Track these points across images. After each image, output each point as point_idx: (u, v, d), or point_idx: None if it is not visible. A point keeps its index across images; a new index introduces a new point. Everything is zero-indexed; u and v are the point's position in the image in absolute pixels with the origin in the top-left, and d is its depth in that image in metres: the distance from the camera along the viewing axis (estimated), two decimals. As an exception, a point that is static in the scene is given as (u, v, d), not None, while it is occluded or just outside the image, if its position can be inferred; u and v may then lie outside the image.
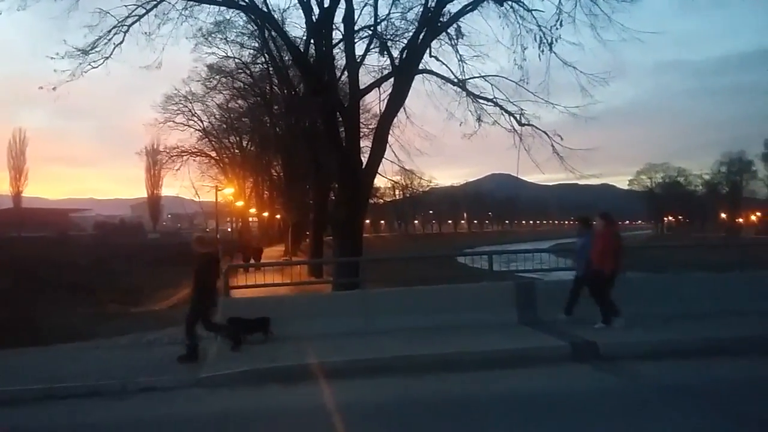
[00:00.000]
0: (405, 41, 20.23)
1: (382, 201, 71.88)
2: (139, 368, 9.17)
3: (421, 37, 18.86)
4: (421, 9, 19.21)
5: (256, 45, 32.88)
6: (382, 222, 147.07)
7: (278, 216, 62.80)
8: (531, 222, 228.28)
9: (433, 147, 25.89)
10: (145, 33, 17.68)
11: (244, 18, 25.94)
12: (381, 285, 14.63)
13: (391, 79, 19.80)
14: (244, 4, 19.22)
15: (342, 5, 18.92)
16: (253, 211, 70.07)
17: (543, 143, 19.32)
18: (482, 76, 19.84)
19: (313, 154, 31.40)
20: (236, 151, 62.38)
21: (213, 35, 32.83)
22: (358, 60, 20.50)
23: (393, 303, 11.73)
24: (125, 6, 17.11)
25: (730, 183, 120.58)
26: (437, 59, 20.02)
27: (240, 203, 62.40)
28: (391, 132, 20.84)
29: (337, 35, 20.37)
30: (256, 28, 26.62)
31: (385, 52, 20.33)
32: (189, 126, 56.85)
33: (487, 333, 10.54)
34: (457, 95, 20.19)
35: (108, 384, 8.48)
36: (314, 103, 20.95)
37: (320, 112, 20.21)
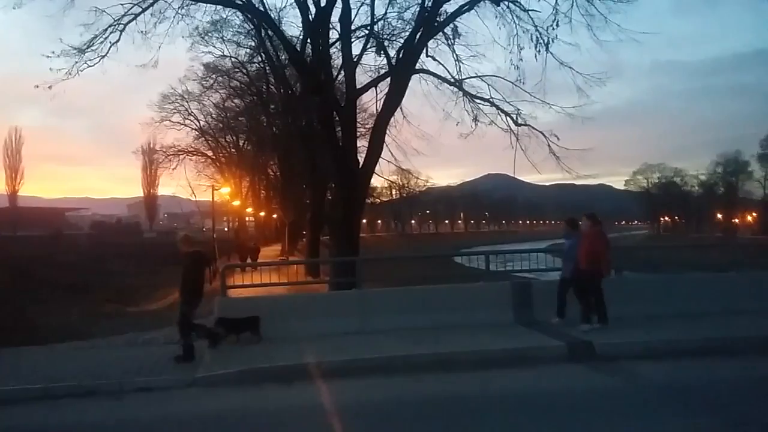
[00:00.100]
0: (402, 41, 20.27)
1: (379, 201, 72.07)
2: (135, 368, 9.15)
3: (417, 36, 18.87)
4: (418, 9, 19.26)
5: (253, 44, 32.89)
6: (379, 222, 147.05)
7: (275, 215, 62.80)
8: (528, 222, 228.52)
9: (430, 147, 26.01)
10: (142, 32, 17.70)
11: (241, 17, 25.96)
12: (378, 285, 14.60)
13: (388, 79, 19.83)
14: (241, 3, 19.21)
15: (339, 4, 18.97)
16: (249, 210, 70.03)
17: (540, 143, 19.39)
18: (479, 76, 19.91)
19: (309, 154, 31.42)
20: (233, 150, 62.36)
21: (209, 34, 32.78)
22: (355, 59, 20.51)
23: (390, 303, 11.73)
24: (121, 4, 17.13)
25: (726, 183, 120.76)
26: (434, 59, 20.10)
27: (236, 203, 62.35)
28: (387, 132, 20.88)
29: (333, 34, 20.41)
30: (252, 27, 26.63)
31: (382, 52, 20.35)
32: (185, 125, 56.90)
33: (483, 333, 10.54)
34: (454, 95, 20.26)
35: (104, 384, 8.46)
36: (311, 102, 20.99)
37: (317, 111, 20.23)
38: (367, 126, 29.92)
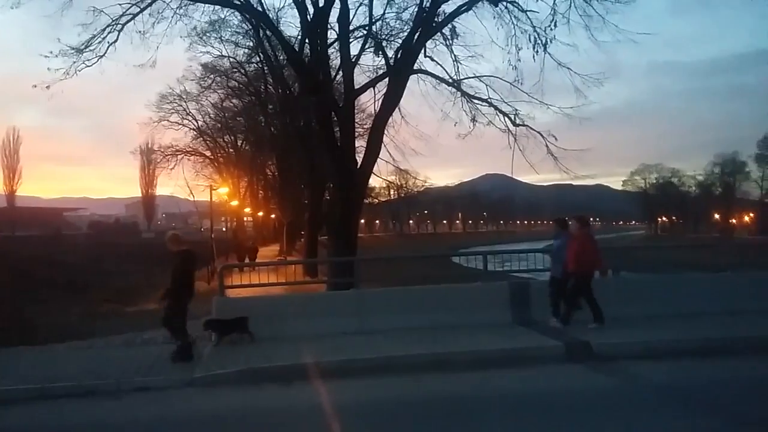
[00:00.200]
0: (400, 41, 20.28)
1: (377, 201, 72.06)
2: (133, 368, 9.15)
3: (416, 37, 18.88)
4: (416, 9, 19.26)
5: (251, 44, 32.91)
6: (377, 222, 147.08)
7: (273, 215, 62.81)
8: (526, 222, 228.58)
9: (428, 147, 26.03)
10: (140, 32, 17.73)
11: (239, 17, 25.98)
12: (376, 285, 14.61)
13: (386, 79, 19.82)
14: (239, 3, 19.22)
15: (337, 5, 18.95)
16: (247, 210, 70.02)
17: (537, 144, 19.41)
18: (477, 77, 19.94)
19: (307, 154, 31.43)
20: (231, 150, 62.38)
21: (208, 34, 32.81)
22: (353, 60, 20.52)
23: (388, 303, 11.75)
24: (119, 4, 17.14)
25: (724, 184, 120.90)
26: (432, 59, 20.13)
27: (235, 203, 62.34)
28: (386, 132, 20.89)
29: (332, 35, 20.42)
30: (250, 27, 26.67)
31: (380, 52, 20.36)
32: (183, 125, 56.91)
33: (481, 333, 10.56)
34: (452, 95, 20.27)
35: (102, 384, 8.46)
36: (309, 102, 20.97)
37: (315, 111, 20.22)
38: (365, 126, 29.96)
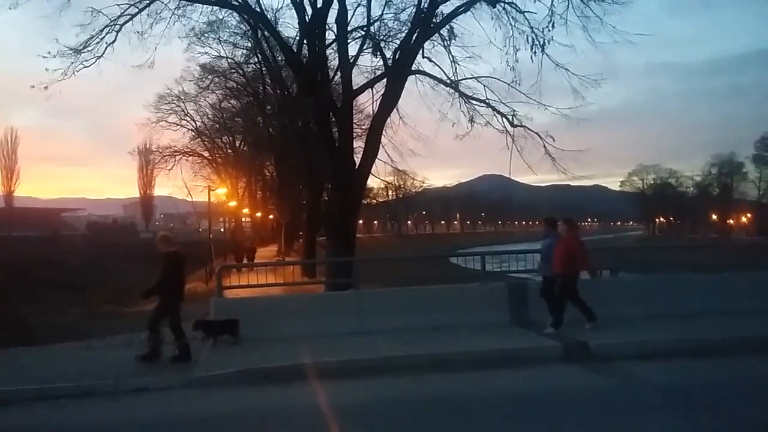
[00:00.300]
0: (398, 42, 20.32)
1: (375, 201, 71.90)
2: (131, 368, 9.15)
3: (414, 38, 18.92)
4: (414, 10, 19.32)
5: (249, 45, 32.95)
6: (375, 222, 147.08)
7: (271, 216, 62.84)
8: (524, 223, 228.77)
9: (426, 148, 25.98)
10: (138, 32, 17.74)
11: (237, 18, 26.02)
12: (374, 285, 14.63)
13: (384, 80, 19.85)
14: (237, 3, 19.25)
15: (335, 6, 18.98)
16: (246, 211, 69.98)
17: (535, 144, 19.46)
18: (475, 77, 19.98)
19: (306, 155, 31.44)
20: (229, 151, 62.34)
21: (206, 35, 32.84)
22: (351, 60, 20.56)
23: (386, 303, 11.76)
24: (117, 5, 17.17)
25: (721, 184, 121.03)
26: (430, 60, 20.17)
27: (233, 203, 62.25)
28: (384, 132, 20.92)
29: (330, 36, 20.47)
30: (248, 28, 26.67)
31: (378, 53, 20.40)
32: (181, 126, 56.82)
33: (479, 333, 10.57)
34: (450, 96, 20.30)
35: (100, 384, 8.46)
36: (307, 103, 20.99)
37: (313, 112, 20.25)
38: (363, 127, 29.97)
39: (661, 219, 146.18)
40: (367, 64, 22.26)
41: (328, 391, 7.87)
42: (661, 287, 12.67)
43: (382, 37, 21.03)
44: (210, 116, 55.15)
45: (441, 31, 19.32)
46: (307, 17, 19.11)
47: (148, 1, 17.31)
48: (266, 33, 22.89)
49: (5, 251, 37.57)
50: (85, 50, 17.22)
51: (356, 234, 21.38)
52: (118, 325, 15.28)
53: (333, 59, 22.71)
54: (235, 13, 22.85)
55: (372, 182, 38.39)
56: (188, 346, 9.81)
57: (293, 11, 19.69)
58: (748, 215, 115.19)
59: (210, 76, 43.85)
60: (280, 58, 27.64)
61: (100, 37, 17.24)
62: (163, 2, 17.67)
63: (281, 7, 24.62)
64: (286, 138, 37.42)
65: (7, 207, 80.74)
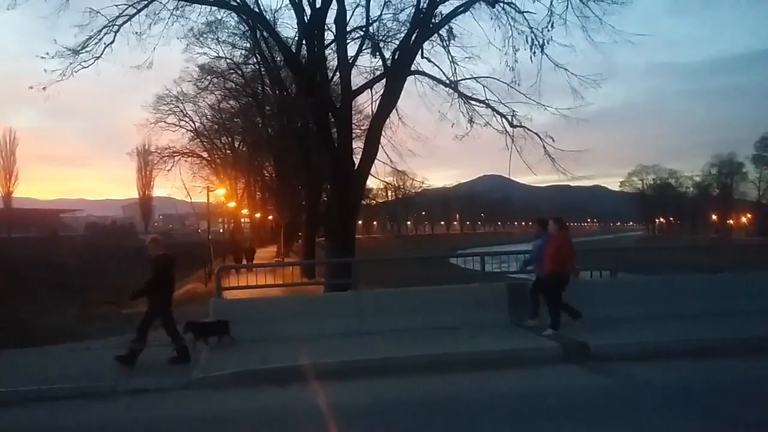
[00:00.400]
0: (397, 42, 20.32)
1: (374, 202, 71.99)
2: (135, 367, 9.12)
3: (413, 38, 18.91)
4: (413, 10, 19.31)
5: (248, 45, 32.96)
6: (375, 223, 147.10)
7: (270, 217, 62.79)
8: (523, 223, 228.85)
9: (425, 148, 26.04)
10: (136, 33, 17.72)
11: (236, 18, 26.02)
12: (373, 286, 14.61)
13: (383, 80, 19.84)
14: (236, 4, 19.22)
15: (334, 6, 18.98)
16: (245, 211, 69.99)
17: (535, 145, 19.46)
18: (474, 78, 19.98)
19: (305, 155, 31.44)
20: (228, 151, 62.38)
21: (204, 35, 32.91)
22: (350, 61, 20.55)
23: (385, 304, 11.74)
24: (116, 5, 17.15)
25: (721, 185, 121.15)
26: (429, 60, 20.15)
27: (232, 204, 62.31)
28: (383, 133, 20.93)
29: (329, 36, 20.47)
30: (247, 28, 26.66)
31: (377, 53, 20.40)
32: (180, 126, 56.87)
33: (479, 334, 10.56)
34: (449, 96, 20.30)
35: (99, 385, 8.43)
36: (306, 103, 20.99)
37: (312, 112, 20.24)
38: (362, 127, 29.98)
39: (661, 219, 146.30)
40: (366, 64, 22.30)
41: (328, 392, 7.86)
42: (661, 288, 12.64)
43: (381, 38, 21.06)
44: (209, 117, 55.28)
45: (440, 32, 19.32)
46: (306, 17, 19.10)
47: (146, 2, 17.29)
48: (265, 33, 22.92)
49: (4, 252, 37.55)
50: (83, 51, 17.22)
51: (355, 235, 21.34)
52: (117, 326, 15.28)
53: (332, 60, 22.73)
54: (233, 14, 22.85)
55: (371, 183, 38.49)
56: (186, 347, 9.79)
57: (292, 11, 19.71)
58: (748, 215, 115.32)
59: (209, 77, 43.94)
60: (279, 59, 27.68)
61: (98, 37, 17.23)
62: (161, 3, 17.68)
63: (280, 8, 24.75)
64: (285, 138, 37.43)
65: (6, 208, 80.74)
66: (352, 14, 20.53)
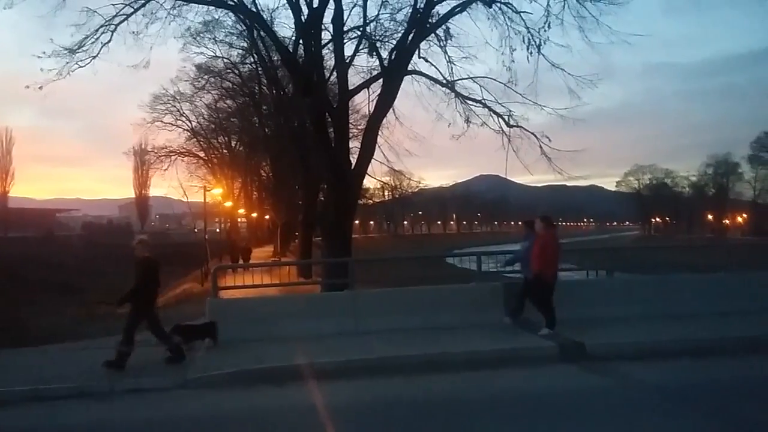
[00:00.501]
0: (394, 42, 20.32)
1: (371, 202, 72.04)
2: (126, 369, 9.10)
3: (410, 38, 18.90)
4: (410, 10, 19.29)
5: (245, 45, 32.94)
6: (372, 223, 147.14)
7: (267, 216, 62.81)
8: (520, 223, 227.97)
9: (422, 148, 26.06)
10: (133, 32, 17.67)
11: (233, 18, 25.98)
12: (370, 286, 14.61)
13: (380, 80, 19.84)
14: (233, 3, 19.20)
15: (331, 6, 18.97)
16: (241, 211, 69.99)
17: (531, 144, 19.47)
18: (471, 78, 19.98)
19: (302, 155, 31.42)
20: (225, 151, 62.33)
21: (201, 35, 32.87)
22: (347, 60, 20.52)
23: (382, 304, 11.73)
24: (113, 5, 17.10)
25: (717, 185, 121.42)
26: (426, 60, 20.13)
27: (228, 203, 62.29)
28: (380, 133, 20.90)
29: (326, 36, 20.41)
30: (244, 28, 26.67)
31: (374, 53, 20.36)
32: (177, 126, 56.88)
33: (475, 333, 10.57)
34: (446, 96, 20.30)
35: (96, 385, 8.42)
36: (303, 103, 20.96)
37: (309, 112, 20.23)
38: (359, 127, 29.97)
39: (657, 219, 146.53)
40: (363, 64, 22.26)
41: (324, 392, 7.86)
42: (657, 287, 12.66)
43: (378, 37, 21.03)
44: (206, 116, 55.29)
45: (437, 32, 19.31)
46: (303, 17, 19.06)
47: (143, 1, 17.24)
48: (262, 33, 22.89)
49: (1, 252, 37.47)
50: (80, 50, 17.17)
51: (352, 234, 21.34)
52: (114, 326, 15.23)
53: (329, 59, 22.70)
54: (230, 13, 22.82)
55: (368, 182, 38.42)
56: (179, 346, 9.74)
57: (289, 11, 19.66)
58: (744, 215, 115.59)
59: (206, 76, 43.92)
60: (275, 58, 27.64)
61: (95, 36, 17.18)
62: (158, 2, 17.63)
63: (277, 7, 24.74)
64: (282, 138, 37.40)
65: (2, 207, 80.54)
66: (349, 14, 20.52)
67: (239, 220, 77.38)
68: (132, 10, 17.20)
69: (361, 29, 20.73)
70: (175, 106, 54.64)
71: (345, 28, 20.17)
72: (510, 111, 19.50)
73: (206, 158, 63.20)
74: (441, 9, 18.87)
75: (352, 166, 19.67)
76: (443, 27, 19.23)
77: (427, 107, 20.96)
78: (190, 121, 57.23)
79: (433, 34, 19.40)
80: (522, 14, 18.17)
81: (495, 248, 17.59)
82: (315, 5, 18.80)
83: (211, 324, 10.62)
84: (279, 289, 15.88)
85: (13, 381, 8.66)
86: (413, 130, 22.80)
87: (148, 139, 66.94)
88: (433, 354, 9.44)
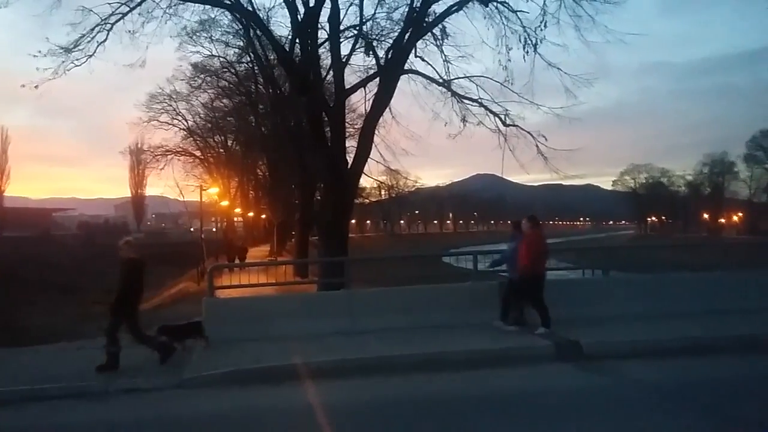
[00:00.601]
0: (390, 41, 20.27)
1: (367, 201, 72.02)
2: (122, 369, 9.09)
3: (406, 37, 18.90)
4: (407, 9, 19.26)
5: (241, 44, 32.81)
6: (368, 222, 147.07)
7: (264, 216, 62.71)
8: (509, 222, 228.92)
9: (419, 147, 26.07)
10: (129, 31, 17.61)
11: (229, 17, 25.93)
12: (366, 285, 14.61)
13: (377, 79, 19.82)
14: (229, 2, 19.18)
15: (327, 4, 18.94)
16: (238, 210, 69.89)
17: (528, 144, 19.46)
18: (467, 77, 19.95)
19: (298, 154, 31.37)
20: (221, 150, 62.28)
21: (198, 34, 32.75)
22: (344, 60, 20.50)
23: (378, 303, 11.74)
24: (109, 4, 17.05)
25: (713, 184, 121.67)
26: (423, 59, 20.12)
27: (225, 203, 62.24)
28: (376, 132, 20.88)
29: (322, 35, 20.38)
30: (241, 27, 26.57)
31: (371, 52, 20.34)
32: (173, 125, 56.81)
33: (472, 332, 10.57)
34: (443, 95, 20.28)
35: (91, 385, 8.42)
36: (300, 102, 20.94)
37: (306, 111, 20.19)
38: (355, 126, 29.98)
39: (653, 218, 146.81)
40: (360, 63, 22.29)
41: (321, 391, 7.86)
42: (653, 286, 12.69)
43: (374, 37, 21.00)
44: (202, 115, 55.19)
45: (433, 31, 19.32)
46: (299, 16, 19.04)
47: (139, 0, 17.21)
48: (258, 32, 22.80)
49: (-4, 252, 37.39)
50: (76, 49, 17.10)
51: (349, 233, 21.34)
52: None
53: (325, 58, 22.65)
54: (227, 12, 22.80)
55: (365, 181, 38.41)
56: (163, 343, 9.64)
57: (285, 10, 19.60)
58: (739, 214, 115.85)
59: (202, 75, 43.81)
60: (272, 57, 27.58)
61: (91, 36, 17.12)
62: (154, 1, 17.58)
63: (273, 6, 24.68)
64: (278, 137, 37.34)
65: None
66: (346, 13, 20.49)
67: (235, 219, 77.30)
68: (128, 8, 17.16)
69: (357, 28, 20.73)
70: (171, 105, 54.62)
71: (341, 27, 20.16)
72: (506, 110, 19.52)
73: (203, 157, 63.16)
74: (437, 8, 18.90)
75: (349, 166, 19.67)
76: (440, 26, 19.26)
77: (423, 106, 20.98)
78: (186, 120, 57.22)
79: (429, 33, 19.41)
80: (518, 13, 18.20)
81: (491, 247, 17.54)
82: (311, 4, 18.78)
83: (197, 323, 10.56)
84: (275, 288, 15.87)
85: (9, 381, 8.66)
86: (410, 130, 22.79)
87: (144, 139, 66.96)
88: (430, 353, 9.44)
